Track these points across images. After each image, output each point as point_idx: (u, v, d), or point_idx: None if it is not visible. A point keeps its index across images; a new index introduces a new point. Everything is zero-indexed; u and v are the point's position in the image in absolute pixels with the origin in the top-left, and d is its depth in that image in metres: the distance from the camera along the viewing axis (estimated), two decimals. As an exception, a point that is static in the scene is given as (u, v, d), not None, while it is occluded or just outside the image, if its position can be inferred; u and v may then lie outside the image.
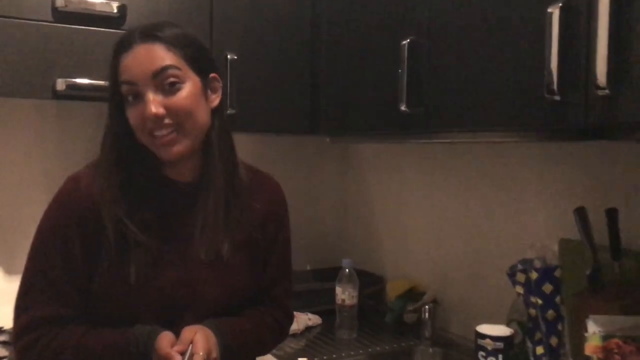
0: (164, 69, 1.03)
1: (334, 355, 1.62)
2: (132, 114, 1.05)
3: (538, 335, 1.21)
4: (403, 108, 1.38)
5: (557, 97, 1.03)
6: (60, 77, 1.44)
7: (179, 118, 1.04)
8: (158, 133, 1.04)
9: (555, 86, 1.03)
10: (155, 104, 1.02)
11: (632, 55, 0.92)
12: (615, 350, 1.08)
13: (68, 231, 1.05)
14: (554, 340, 1.19)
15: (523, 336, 1.38)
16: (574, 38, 1.01)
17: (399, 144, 1.96)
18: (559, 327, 1.20)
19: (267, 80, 1.74)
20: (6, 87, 1.41)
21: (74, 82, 1.45)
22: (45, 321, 1.05)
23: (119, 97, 1.05)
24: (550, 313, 1.19)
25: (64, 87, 1.44)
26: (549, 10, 1.03)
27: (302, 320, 1.82)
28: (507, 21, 1.15)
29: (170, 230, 1.10)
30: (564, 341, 1.21)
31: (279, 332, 1.27)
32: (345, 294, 1.77)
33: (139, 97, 1.03)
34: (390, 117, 1.45)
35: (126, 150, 1.07)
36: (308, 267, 2.22)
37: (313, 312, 1.90)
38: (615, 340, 1.08)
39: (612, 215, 1.22)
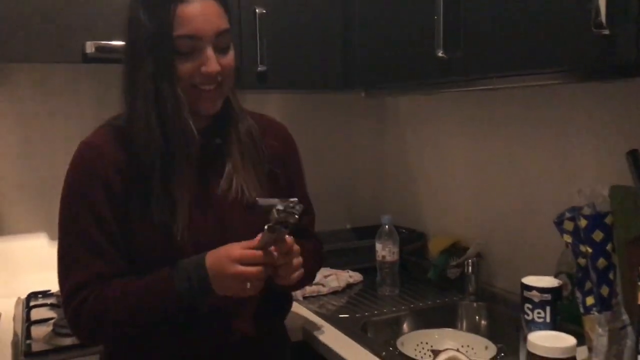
0: (226, 31, 1.08)
1: (376, 312, 1.60)
2: (184, 66, 1.05)
3: (588, 285, 1.16)
4: (440, 54, 1.31)
5: (606, 31, 0.96)
6: (89, 39, 1.43)
7: (224, 76, 1.09)
8: (207, 87, 1.08)
9: (603, 19, 0.95)
10: (215, 61, 1.06)
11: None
12: (672, 299, 1.02)
13: (92, 194, 1.07)
14: (605, 290, 1.13)
15: (572, 288, 1.32)
16: (624, -37, 0.93)
17: (436, 94, 1.89)
18: (610, 276, 1.14)
19: (297, 35, 1.70)
20: (35, 52, 1.41)
21: (104, 44, 1.43)
22: (88, 282, 1.06)
23: (169, 46, 1.03)
24: (601, 261, 1.13)
25: (93, 49, 1.43)
26: None
27: (343, 277, 1.81)
28: (549, -49, 1.07)
29: (201, 181, 1.12)
30: (615, 290, 1.15)
31: (320, 257, 1.33)
32: (385, 250, 1.75)
33: (196, 51, 1.05)
34: (427, 64, 1.39)
35: (165, 99, 1.06)
36: (348, 226, 2.20)
37: (354, 270, 1.88)
38: (672, 288, 1.02)
39: (667, 157, 1.14)
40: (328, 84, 1.79)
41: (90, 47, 1.43)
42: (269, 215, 1.01)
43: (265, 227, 1.01)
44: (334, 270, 1.82)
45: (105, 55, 1.44)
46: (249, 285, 1.01)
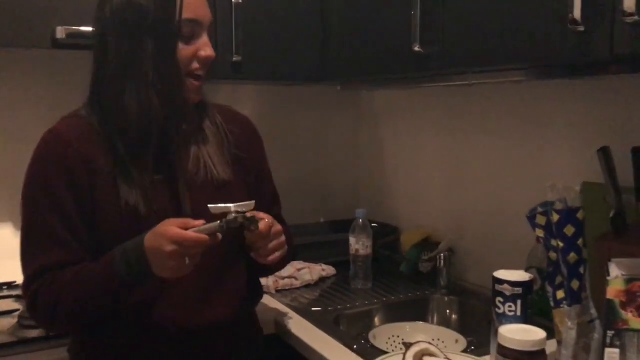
0: (212, 20, 1.15)
1: (349, 305, 1.60)
2: (185, 49, 1.09)
3: (558, 279, 1.17)
4: (417, 48, 1.32)
5: (581, 28, 0.97)
6: (60, 24, 1.39)
7: (210, 65, 1.14)
8: (201, 73, 1.12)
9: (579, 16, 0.96)
10: (211, 46, 1.12)
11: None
12: (639, 293, 1.04)
13: (54, 183, 1.07)
14: (575, 284, 1.15)
15: (542, 283, 1.34)
16: (600, -39, 0.94)
17: (412, 88, 1.90)
18: (581, 270, 1.16)
19: (273, 26, 1.68)
20: (4, 36, 1.36)
21: (75, 29, 1.40)
22: (47, 268, 1.07)
23: (174, 28, 1.07)
24: (572, 256, 1.14)
25: (64, 35, 1.39)
26: None
27: (316, 270, 1.81)
28: (527, -53, 1.08)
29: (167, 160, 1.13)
30: (585, 284, 1.17)
31: (291, 245, 1.28)
32: (359, 244, 1.75)
33: (194, 36, 1.10)
34: (404, 58, 1.39)
35: (167, 78, 1.08)
36: (321, 219, 2.20)
37: (327, 263, 1.88)
38: (639, 283, 1.04)
39: (637, 154, 1.16)
40: (304, 76, 1.77)
41: (60, 32, 1.39)
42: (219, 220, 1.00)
43: (217, 223, 0.99)
44: (307, 264, 1.82)
45: (75, 41, 1.41)
46: (187, 260, 0.99)
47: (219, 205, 1.03)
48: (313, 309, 1.56)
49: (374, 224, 1.96)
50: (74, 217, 1.07)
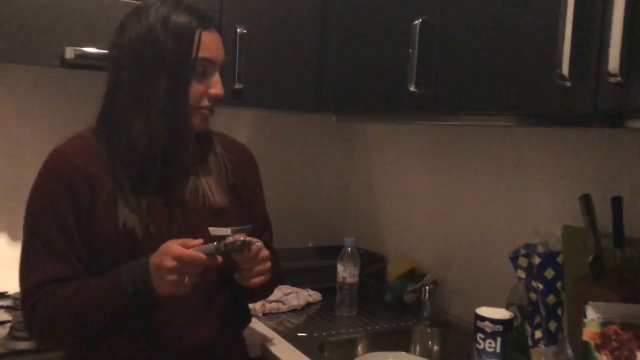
0: (225, 60, 1.19)
1: (333, 332, 1.63)
2: (197, 86, 1.13)
3: (537, 320, 1.22)
4: (412, 89, 1.37)
5: (568, 83, 1.03)
6: (69, 45, 1.44)
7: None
8: (211, 107, 1.17)
9: (566, 72, 1.02)
10: (221, 85, 1.16)
11: (646, 42, 0.92)
12: (613, 337, 1.09)
13: (57, 200, 1.10)
14: (552, 325, 1.20)
15: (522, 320, 1.39)
16: (588, 24, 1.00)
17: (404, 124, 1.95)
18: (559, 312, 1.21)
19: (275, 56, 1.74)
20: (15, 53, 1.41)
21: (83, 50, 1.44)
22: (47, 282, 1.09)
23: (191, 66, 1.11)
24: (551, 298, 1.20)
25: (72, 55, 1.44)
26: (564, -7, 1.02)
27: (303, 296, 1.84)
28: (520, 4, 1.14)
29: (167, 185, 1.17)
30: (562, 326, 1.22)
31: (279, 271, 1.32)
32: (346, 272, 1.79)
33: (207, 75, 1.14)
34: (399, 97, 1.45)
35: (177, 114, 1.12)
36: (310, 245, 2.24)
37: (314, 289, 1.91)
38: (614, 327, 1.09)
39: (617, 203, 1.22)
40: (301, 105, 1.83)
41: (70, 52, 1.43)
42: (217, 242, 1.05)
43: (215, 244, 1.04)
44: (294, 288, 1.85)
45: (83, 62, 1.45)
46: (186, 279, 1.04)
47: (219, 228, 1.08)
48: (299, 334, 1.59)
49: (361, 250, 2.00)
50: (75, 233, 1.10)
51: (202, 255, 1.03)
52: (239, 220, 1.21)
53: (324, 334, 1.61)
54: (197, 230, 1.14)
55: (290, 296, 1.81)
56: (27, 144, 1.75)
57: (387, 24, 1.51)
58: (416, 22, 1.36)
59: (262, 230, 1.34)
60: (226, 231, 1.07)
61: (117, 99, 1.12)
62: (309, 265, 2.01)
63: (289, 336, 1.56)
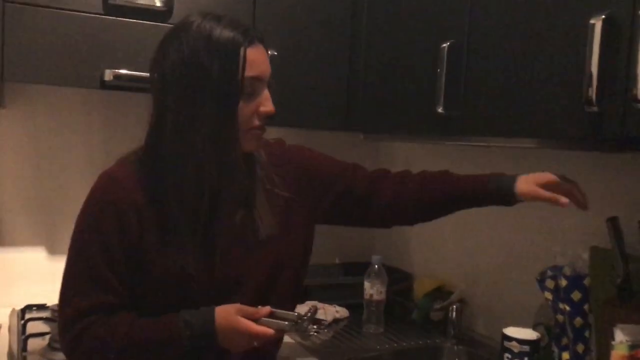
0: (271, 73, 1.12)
1: (361, 348, 1.65)
2: (246, 107, 1.07)
3: (564, 341, 1.23)
4: (440, 110, 1.40)
5: (595, 109, 1.04)
6: (108, 68, 1.50)
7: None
8: (262, 125, 1.10)
9: (593, 97, 1.03)
10: (271, 101, 1.10)
11: (672, 70, 0.93)
12: (641, 360, 1.09)
13: (105, 229, 1.07)
14: (580, 347, 1.21)
15: (549, 340, 1.39)
16: (615, 50, 1.02)
17: (432, 144, 1.97)
18: (586, 334, 1.21)
19: (305, 77, 1.78)
20: (57, 76, 1.47)
21: (121, 72, 1.50)
22: (91, 311, 1.06)
23: (237, 88, 1.04)
24: (578, 320, 1.20)
25: (111, 77, 1.50)
26: (592, 21, 1.03)
27: (330, 312, 1.86)
28: (548, 30, 1.16)
29: (217, 219, 1.12)
30: (590, 348, 1.22)
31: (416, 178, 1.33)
32: (373, 289, 1.81)
33: (256, 92, 1.08)
34: (426, 118, 1.47)
35: (226, 141, 1.07)
36: (337, 261, 2.26)
37: (341, 305, 1.93)
38: (642, 350, 1.09)
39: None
40: (330, 124, 1.86)
41: (108, 75, 1.49)
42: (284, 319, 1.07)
43: (286, 324, 1.06)
44: (321, 304, 1.87)
45: (121, 83, 1.51)
46: (255, 343, 1.06)
47: (285, 312, 1.08)
48: (325, 350, 1.61)
49: (393, 267, 2.02)
50: (121, 261, 1.07)
51: (272, 332, 1.04)
52: (290, 245, 1.21)
53: (352, 350, 1.63)
54: (246, 263, 1.14)
55: (318, 312, 1.83)
56: (66, 160, 1.82)
57: (416, 45, 1.54)
58: (444, 45, 1.38)
59: (353, 174, 1.30)
60: (292, 316, 1.08)
61: (163, 127, 1.07)
62: (336, 282, 2.04)
63: (316, 351, 1.59)
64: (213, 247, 1.11)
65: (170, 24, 1.52)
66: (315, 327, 1.09)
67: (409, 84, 1.57)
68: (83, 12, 1.47)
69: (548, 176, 1.18)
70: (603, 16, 1.02)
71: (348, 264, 2.21)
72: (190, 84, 1.04)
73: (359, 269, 1.93)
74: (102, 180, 1.11)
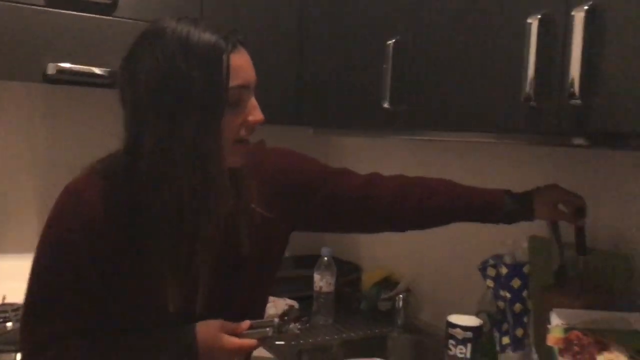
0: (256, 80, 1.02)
1: (310, 340, 1.68)
2: (232, 118, 0.96)
3: (505, 327, 1.29)
4: (386, 105, 1.43)
5: (533, 104, 1.09)
6: (51, 61, 1.46)
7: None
8: (248, 136, 1.01)
9: (532, 93, 1.08)
10: (259, 109, 1.00)
11: (603, 67, 0.98)
12: (575, 342, 1.15)
13: (74, 250, 0.98)
14: (519, 332, 1.27)
15: (491, 326, 1.46)
16: (551, 48, 1.07)
17: (380, 138, 2.01)
18: (525, 319, 1.27)
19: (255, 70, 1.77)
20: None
21: (65, 66, 1.47)
22: (59, 336, 0.99)
23: (223, 98, 0.93)
24: (518, 306, 1.26)
25: (54, 71, 1.46)
26: (528, 20, 1.08)
27: (280, 305, 1.88)
28: (489, 28, 1.20)
29: (199, 241, 1.01)
30: (528, 332, 1.29)
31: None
32: (323, 282, 1.83)
33: (242, 102, 0.98)
34: (374, 113, 1.50)
35: (209, 157, 0.95)
36: (287, 254, 2.26)
37: (291, 298, 1.95)
38: (576, 332, 1.15)
39: (580, 214, 1.29)
40: (278, 118, 1.86)
41: (52, 68, 1.46)
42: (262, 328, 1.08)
43: (267, 330, 1.07)
44: (272, 298, 1.89)
45: (65, 77, 1.48)
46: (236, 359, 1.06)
47: (261, 321, 1.09)
48: (277, 342, 1.63)
49: (342, 259, 2.05)
50: (90, 286, 0.99)
51: (254, 343, 1.04)
52: (269, 263, 1.19)
53: (302, 342, 1.66)
54: (230, 294, 1.09)
55: (268, 305, 1.84)
56: (8, 159, 1.76)
57: (363, 42, 1.56)
58: (390, 41, 1.42)
59: (341, 178, 1.23)
60: (272, 322, 1.08)
61: (140, 143, 0.95)
62: (287, 275, 2.04)
63: (267, 344, 1.60)
64: (196, 280, 1.00)
65: (116, 17, 1.50)
66: (298, 324, 1.10)
67: (356, 79, 1.60)
68: (25, 4, 1.43)
69: (563, 195, 1.22)
70: (539, 16, 1.06)
71: (298, 257, 2.22)
72: (168, 96, 0.92)
73: (309, 261, 1.95)
74: (68, 196, 1.00)
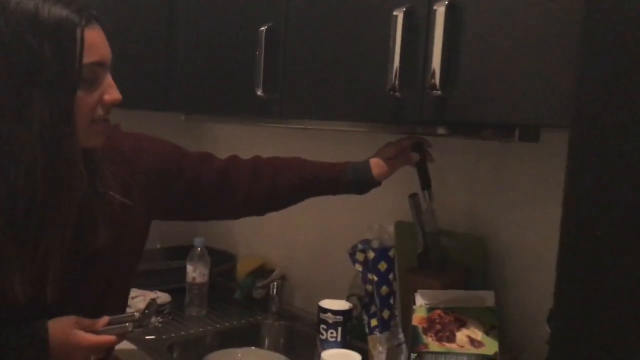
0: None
1: (183, 332, 1.64)
2: (87, 97, 0.92)
3: (373, 309, 1.34)
4: (259, 93, 1.42)
5: (398, 95, 1.13)
6: None
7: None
8: (105, 116, 0.96)
9: (397, 84, 1.12)
10: (116, 88, 0.96)
11: (461, 60, 1.04)
12: (437, 321, 1.23)
13: None
14: (386, 313, 1.32)
15: (361, 309, 1.51)
16: (415, 41, 1.11)
17: (254, 126, 2.00)
18: (391, 301, 1.33)
19: (121, 55, 1.68)
20: None
21: None
22: None
23: (76, 76, 0.89)
24: (384, 289, 1.31)
25: None
26: (394, 13, 1.12)
27: (149, 297, 1.81)
28: (357, 19, 1.23)
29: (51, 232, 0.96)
30: (395, 314, 1.34)
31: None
32: (196, 272, 1.80)
33: (97, 80, 0.93)
34: (246, 100, 1.49)
35: (61, 144, 0.90)
36: (158, 246, 2.20)
37: (163, 291, 1.89)
38: (438, 311, 1.22)
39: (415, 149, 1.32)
40: (148, 104, 1.80)
41: None
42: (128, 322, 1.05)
43: (127, 325, 1.04)
44: (141, 291, 1.82)
45: None
46: (92, 357, 1.03)
47: (122, 315, 1.07)
48: (147, 337, 1.58)
49: (216, 249, 2.02)
50: None
51: (114, 339, 1.02)
52: (126, 253, 1.13)
53: (173, 335, 1.62)
54: (84, 284, 1.04)
55: (137, 299, 1.78)
56: None
57: (236, 27, 1.54)
58: (262, 28, 1.41)
59: (202, 164, 1.23)
60: (132, 317, 1.07)
61: None
62: (158, 267, 1.98)
63: (137, 339, 1.54)
64: (45, 270, 0.94)
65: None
66: (159, 318, 1.08)
67: (228, 66, 1.57)
68: None
69: (391, 149, 1.28)
70: (404, 9, 1.10)
71: (170, 248, 2.17)
72: (15, 73, 0.86)
73: (182, 252, 1.90)
74: None
